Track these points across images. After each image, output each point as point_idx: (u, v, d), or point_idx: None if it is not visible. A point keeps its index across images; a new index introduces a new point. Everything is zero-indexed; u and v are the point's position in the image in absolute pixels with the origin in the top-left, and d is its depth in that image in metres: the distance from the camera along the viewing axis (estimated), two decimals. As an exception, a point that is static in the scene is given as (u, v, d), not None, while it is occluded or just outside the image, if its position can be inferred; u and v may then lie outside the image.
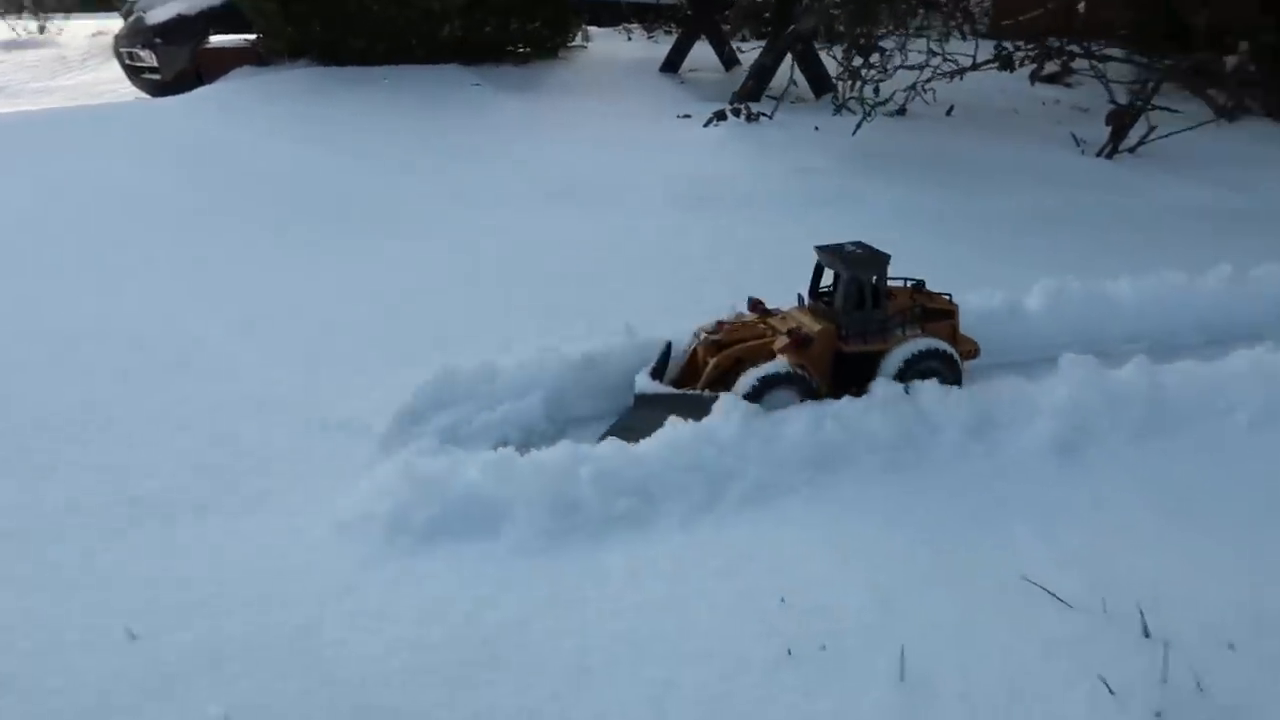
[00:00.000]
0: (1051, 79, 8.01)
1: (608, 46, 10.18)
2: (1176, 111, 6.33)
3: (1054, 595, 2.04)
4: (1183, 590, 2.06)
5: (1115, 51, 6.79)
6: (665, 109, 7.08)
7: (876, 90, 6.56)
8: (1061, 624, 1.98)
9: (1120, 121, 5.62)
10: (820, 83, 7.57)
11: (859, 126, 5.87)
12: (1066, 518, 2.36)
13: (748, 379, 2.70)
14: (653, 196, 4.96)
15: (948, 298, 3.04)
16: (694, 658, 1.91)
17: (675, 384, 2.91)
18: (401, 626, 1.97)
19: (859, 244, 2.90)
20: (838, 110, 6.58)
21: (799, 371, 2.74)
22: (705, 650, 1.93)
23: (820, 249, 2.91)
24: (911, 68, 6.24)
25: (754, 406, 2.66)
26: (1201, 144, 5.75)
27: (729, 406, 2.62)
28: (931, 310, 2.94)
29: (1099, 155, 5.62)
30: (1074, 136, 5.81)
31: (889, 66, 6.38)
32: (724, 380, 2.78)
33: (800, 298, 3.02)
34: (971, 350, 3.01)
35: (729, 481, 2.48)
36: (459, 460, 2.47)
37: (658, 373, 2.90)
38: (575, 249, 4.25)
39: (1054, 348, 3.10)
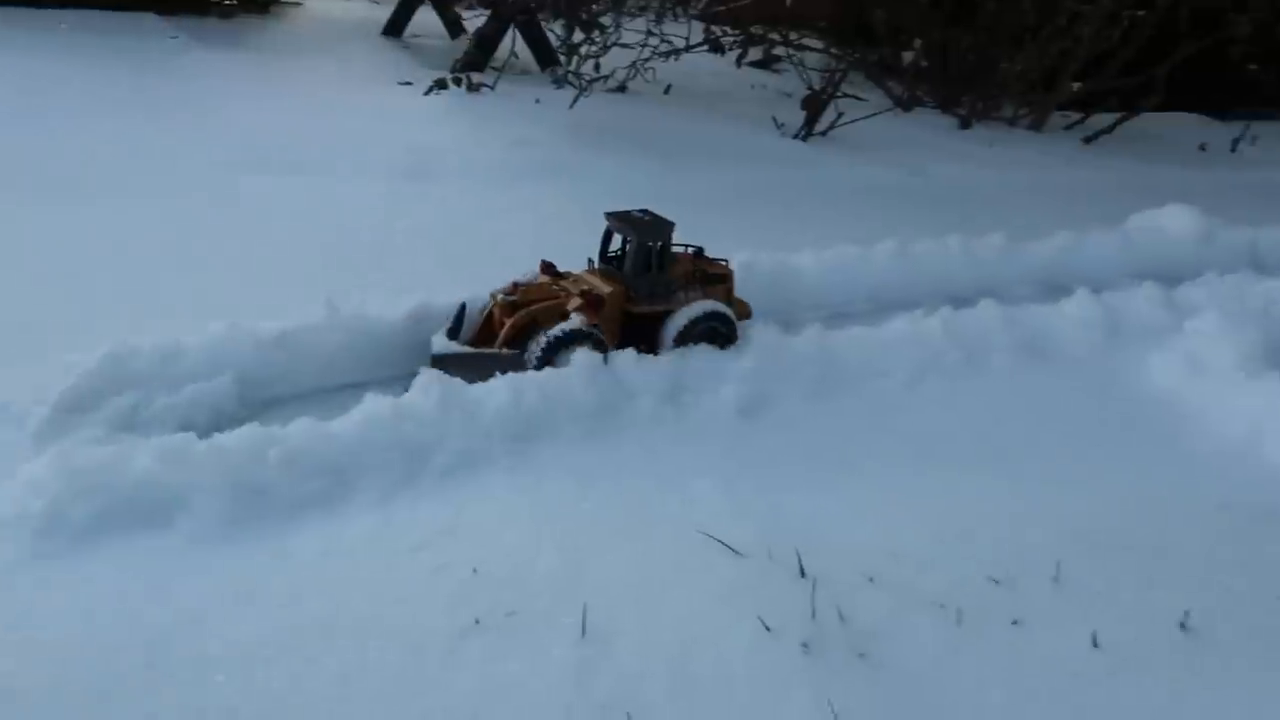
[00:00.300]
0: (760, 64, 8.52)
1: (325, 5, 9.64)
2: (863, 100, 6.95)
3: (727, 545, 2.21)
4: (836, 533, 2.30)
5: (813, 42, 7.34)
6: (385, 75, 6.83)
7: (597, 66, 6.69)
8: (732, 571, 2.15)
9: (814, 107, 6.08)
10: (545, 55, 7.61)
11: (576, 100, 5.96)
12: (745, 473, 2.56)
13: (546, 336, 2.82)
14: (367, 165, 4.79)
15: (724, 263, 3.26)
16: (381, 636, 1.90)
17: (471, 344, 2.97)
18: (48, 634, 1.81)
19: (645, 211, 3.06)
20: (559, 84, 6.65)
21: (595, 330, 2.87)
22: (394, 627, 1.93)
23: (610, 215, 3.06)
24: (626, 46, 6.41)
25: (455, 381, 2.66)
26: (882, 130, 6.34)
27: (427, 381, 2.61)
28: (710, 274, 3.15)
29: (795, 137, 6.06)
30: (774, 119, 6.22)
31: (607, 43, 6.53)
32: (520, 339, 2.89)
33: (590, 261, 3.15)
34: (745, 311, 3.25)
35: (429, 456, 2.47)
36: (130, 448, 2.29)
37: (453, 334, 2.95)
38: (277, 219, 4.03)
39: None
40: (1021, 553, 2.27)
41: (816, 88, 6.29)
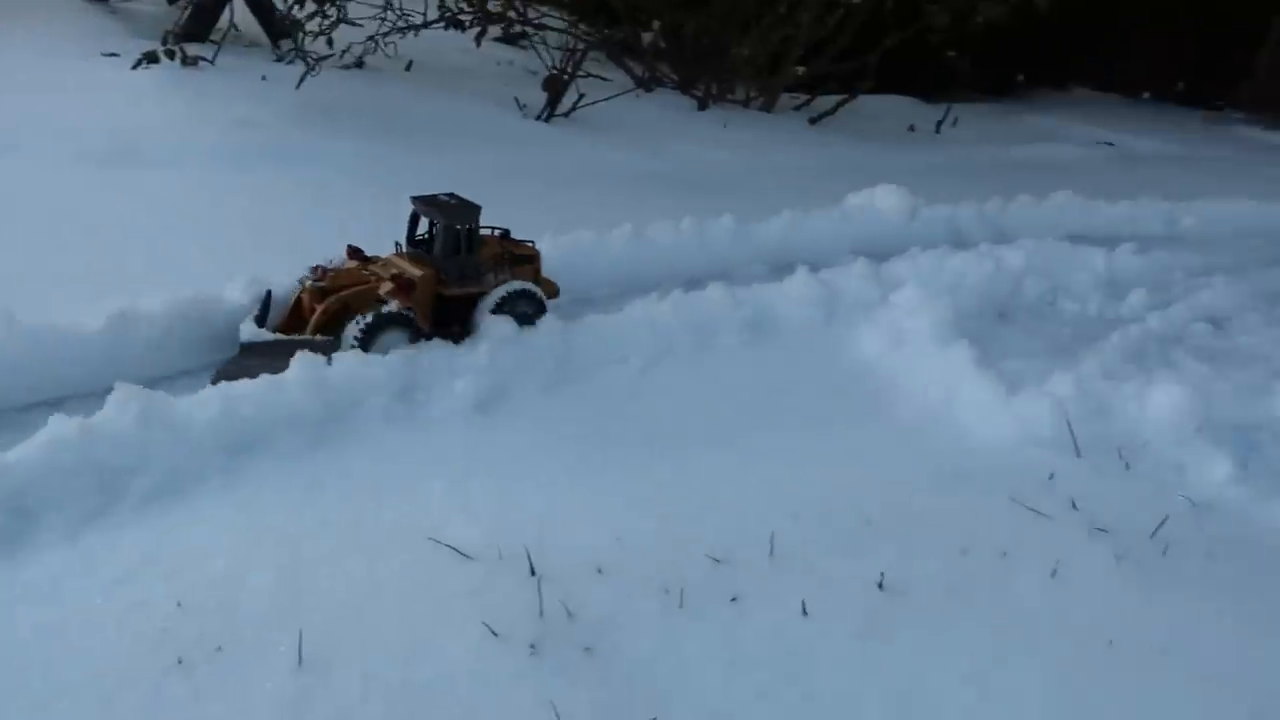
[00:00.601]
0: (506, 40, 8.42)
1: (12, -38, 8.55)
2: (607, 80, 7.03)
3: (456, 550, 2.18)
4: (568, 526, 2.32)
5: (555, 21, 7.33)
6: (87, 45, 6.17)
7: (330, 41, 6.36)
8: (461, 576, 2.12)
9: (555, 87, 6.08)
10: (274, 27, 7.13)
11: (304, 78, 5.64)
12: (479, 471, 2.53)
13: (361, 320, 2.83)
14: (59, 150, 4.30)
15: (531, 244, 3.34)
16: (67, 689, 1.73)
17: (281, 332, 2.91)
18: None
19: (452, 195, 3.12)
20: (288, 59, 6.27)
21: (408, 313, 2.89)
22: (82, 677, 1.75)
23: (416, 199, 3.08)
24: (352, 23, 6.14)
25: (157, 394, 2.45)
26: (624, 111, 6.45)
27: (124, 397, 2.38)
28: (518, 255, 3.24)
29: (538, 118, 6.04)
30: (516, 100, 6.17)
31: (339, 17, 6.21)
32: (332, 326, 2.87)
33: (397, 245, 3.16)
34: (553, 291, 3.33)
35: (129, 479, 2.27)
36: None
37: (260, 322, 2.88)
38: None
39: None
40: (742, 529, 2.39)
41: (558, 67, 6.29)
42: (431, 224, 3.08)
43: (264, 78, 5.91)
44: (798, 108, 7.48)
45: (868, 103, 7.69)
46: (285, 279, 3.06)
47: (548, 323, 3.20)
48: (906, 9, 6.95)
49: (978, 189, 5.49)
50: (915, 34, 7.08)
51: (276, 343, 2.83)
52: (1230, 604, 2.32)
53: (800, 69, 7.24)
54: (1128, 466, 2.88)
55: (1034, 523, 2.56)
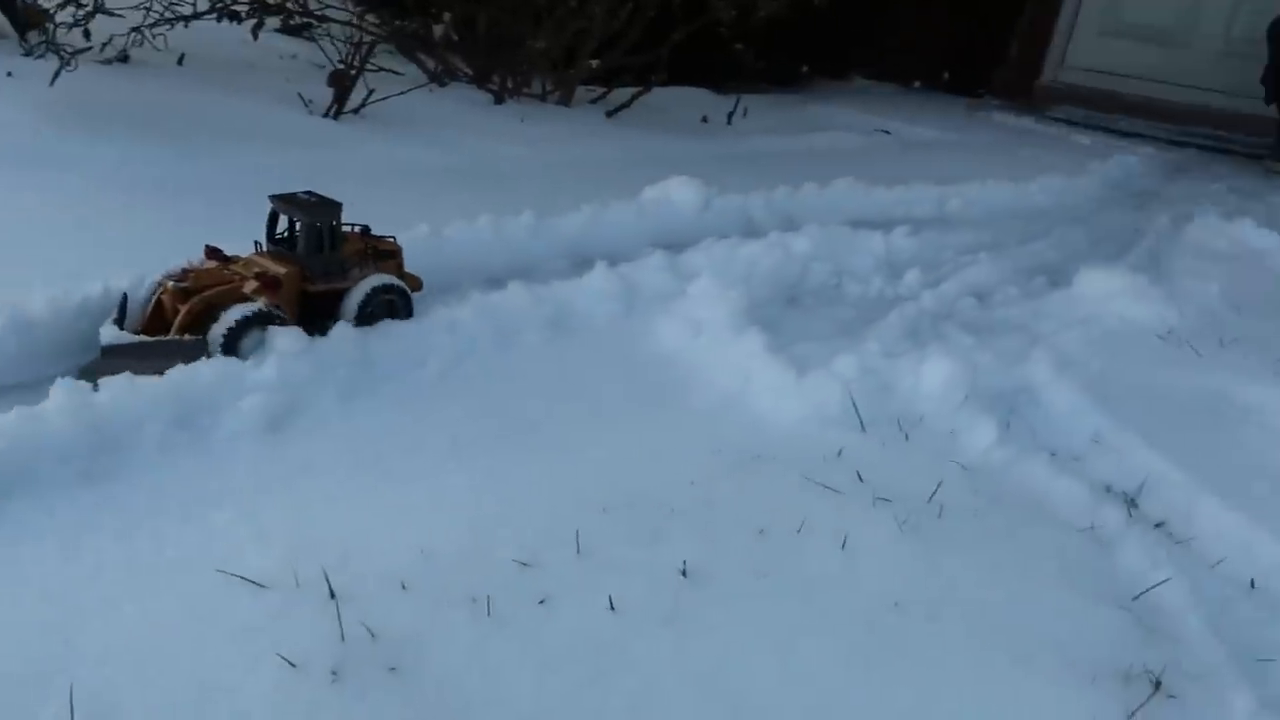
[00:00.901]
0: (291, 31, 8.04)
1: None
2: (400, 74, 6.84)
3: (248, 580, 2.08)
4: (367, 543, 2.26)
5: (339, 13, 7.06)
6: None
7: (88, 33, 5.87)
8: (254, 608, 2.02)
9: (342, 82, 5.85)
10: (20, 18, 6.49)
11: (57, 75, 5.17)
12: (272, 493, 2.42)
13: (228, 319, 2.78)
14: None
15: (392, 239, 3.41)
16: None
17: (142, 334, 2.81)
18: None
19: (310, 192, 3.12)
20: (40, 53, 5.73)
21: (276, 311, 2.86)
22: None
23: (275, 197, 3.06)
24: (112, 13, 5.69)
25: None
26: (417, 106, 6.29)
27: None
28: (380, 250, 3.30)
29: (325, 115, 5.80)
30: (301, 96, 5.91)
31: (96, 7, 5.73)
32: (196, 326, 2.81)
33: (257, 244, 3.13)
34: (417, 285, 3.41)
35: None
36: None
37: (121, 324, 2.78)
38: None
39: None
40: (549, 529, 2.40)
41: (345, 61, 6.06)
42: (292, 222, 3.10)
43: (10, 74, 5.39)
44: (595, 101, 7.54)
45: (663, 95, 7.85)
46: (41, 304, 2.81)
47: (341, 330, 3.09)
48: (693, 3, 7.13)
49: (767, 178, 5.71)
50: (703, 27, 7.28)
51: (141, 344, 2.76)
52: (995, 556, 2.54)
53: (594, 62, 7.30)
54: (907, 437, 3.09)
55: (825, 498, 2.70)
